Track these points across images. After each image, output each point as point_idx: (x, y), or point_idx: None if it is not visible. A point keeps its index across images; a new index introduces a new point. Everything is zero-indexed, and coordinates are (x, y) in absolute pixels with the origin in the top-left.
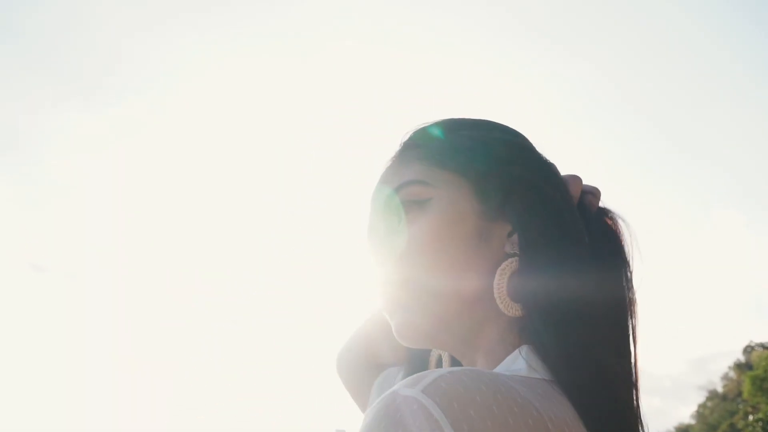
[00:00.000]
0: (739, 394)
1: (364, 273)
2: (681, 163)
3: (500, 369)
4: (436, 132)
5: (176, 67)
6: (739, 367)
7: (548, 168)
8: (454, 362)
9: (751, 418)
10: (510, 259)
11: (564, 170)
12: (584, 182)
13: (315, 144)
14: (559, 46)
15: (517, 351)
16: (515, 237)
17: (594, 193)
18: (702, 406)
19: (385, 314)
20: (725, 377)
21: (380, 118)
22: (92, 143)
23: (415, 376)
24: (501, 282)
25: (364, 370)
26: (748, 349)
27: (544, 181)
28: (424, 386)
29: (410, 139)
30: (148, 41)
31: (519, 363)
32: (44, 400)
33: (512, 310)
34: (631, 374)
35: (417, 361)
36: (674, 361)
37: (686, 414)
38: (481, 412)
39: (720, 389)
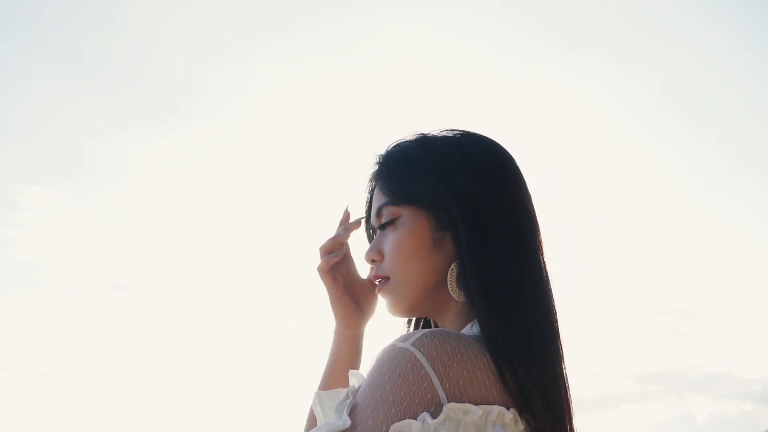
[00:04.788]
0: None
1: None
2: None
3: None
4: (400, 163)
5: (248, 88)
6: None
7: (491, 187)
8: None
9: None
10: (457, 261)
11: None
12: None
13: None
14: (612, 57)
15: (472, 322)
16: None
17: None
18: None
19: (380, 295)
20: None
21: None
22: (167, 165)
23: (406, 333)
24: (451, 278)
25: None
26: None
27: (478, 201)
28: (413, 341)
29: (382, 168)
30: (220, 64)
31: (474, 329)
32: (123, 417)
33: (461, 297)
34: (546, 343)
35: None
36: (765, 366)
37: None
38: (450, 357)
39: None
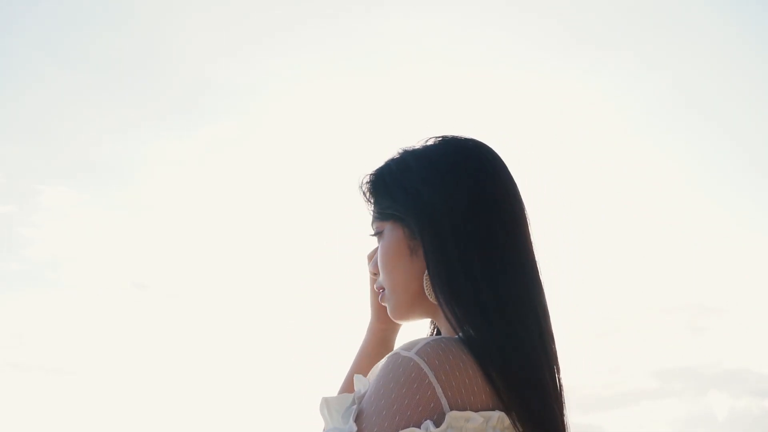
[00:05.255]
0: None
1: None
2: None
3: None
4: (380, 181)
5: (264, 86)
6: None
7: (453, 194)
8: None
9: None
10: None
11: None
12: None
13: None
14: (629, 53)
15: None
16: None
17: None
18: None
19: (382, 302)
20: None
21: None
22: (184, 163)
23: (410, 341)
24: (427, 285)
25: None
26: None
27: (438, 210)
28: (417, 350)
29: (369, 186)
30: (235, 62)
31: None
32: (142, 415)
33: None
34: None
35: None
36: None
37: None
38: (453, 366)
39: None
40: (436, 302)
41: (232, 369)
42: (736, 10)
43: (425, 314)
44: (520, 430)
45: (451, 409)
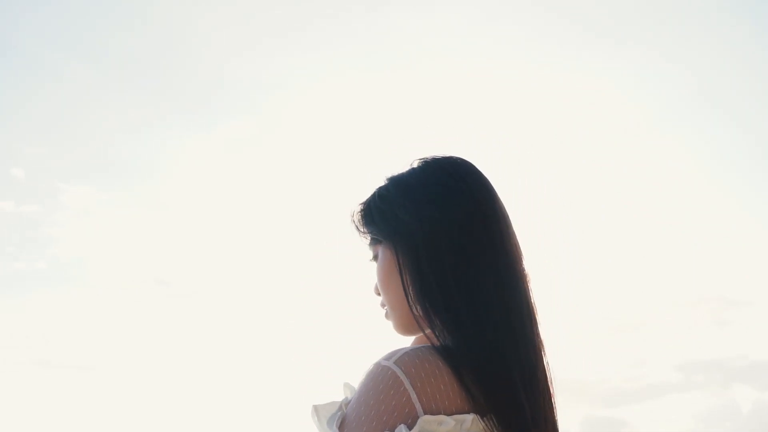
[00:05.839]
0: None
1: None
2: None
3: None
4: (368, 211)
5: (285, 83)
6: None
7: (427, 216)
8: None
9: None
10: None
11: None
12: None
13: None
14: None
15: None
16: None
17: None
18: None
19: (387, 319)
20: None
21: (485, 133)
22: (206, 160)
23: (391, 351)
24: (410, 299)
25: None
26: None
27: (415, 231)
28: (395, 359)
29: (360, 215)
30: (252, 61)
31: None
32: (165, 409)
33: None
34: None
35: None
36: None
37: None
38: (428, 374)
39: None
40: (418, 314)
41: (256, 363)
42: (754, 3)
43: (425, 327)
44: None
45: (425, 414)
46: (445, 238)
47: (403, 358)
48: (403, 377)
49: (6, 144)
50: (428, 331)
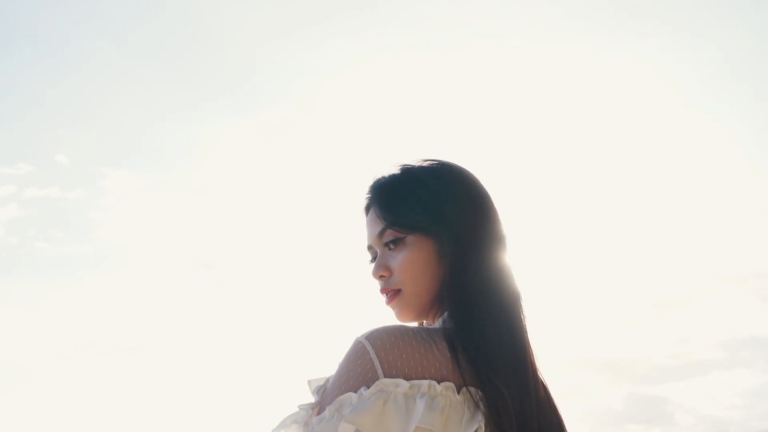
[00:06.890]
0: None
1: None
2: None
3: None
4: (396, 194)
5: (318, 69)
6: None
7: (467, 213)
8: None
9: None
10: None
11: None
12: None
13: (458, 142)
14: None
15: (444, 314)
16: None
17: None
18: None
19: (390, 305)
20: None
21: (532, 118)
22: (244, 145)
23: (368, 330)
24: (447, 287)
25: None
26: None
27: (459, 225)
28: (367, 335)
29: (378, 197)
30: (288, 47)
31: (447, 323)
32: (208, 389)
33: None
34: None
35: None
36: None
37: None
38: (392, 344)
39: None
40: (449, 301)
41: (300, 344)
42: None
43: (429, 315)
44: (462, 397)
45: (384, 377)
46: (481, 232)
47: (373, 333)
48: (369, 348)
49: (49, 131)
50: (432, 315)
